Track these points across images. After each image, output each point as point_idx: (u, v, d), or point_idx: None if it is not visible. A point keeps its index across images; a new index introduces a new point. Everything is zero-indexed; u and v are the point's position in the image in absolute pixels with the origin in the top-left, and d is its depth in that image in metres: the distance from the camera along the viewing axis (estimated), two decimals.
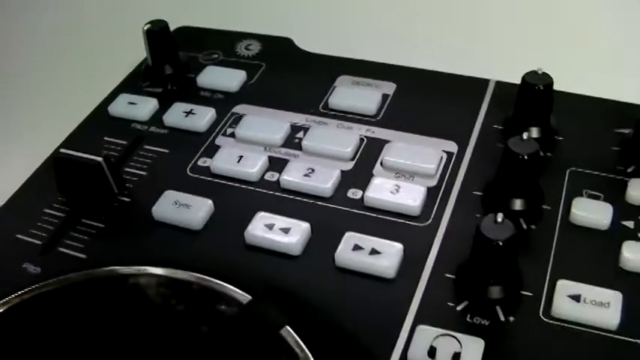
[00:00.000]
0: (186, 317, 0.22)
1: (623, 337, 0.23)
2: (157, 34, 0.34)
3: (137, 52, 0.35)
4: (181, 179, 0.30)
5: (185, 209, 0.28)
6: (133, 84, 0.35)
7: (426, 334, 0.23)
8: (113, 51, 0.35)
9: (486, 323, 0.24)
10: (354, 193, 0.29)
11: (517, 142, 0.26)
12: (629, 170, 0.29)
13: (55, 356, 0.21)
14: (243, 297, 0.22)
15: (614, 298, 0.24)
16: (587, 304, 0.24)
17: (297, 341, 0.21)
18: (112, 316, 0.22)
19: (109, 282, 0.23)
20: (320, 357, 0.21)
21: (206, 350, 0.21)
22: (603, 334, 0.23)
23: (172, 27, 0.36)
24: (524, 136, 0.26)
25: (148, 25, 0.34)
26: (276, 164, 0.30)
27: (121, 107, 0.33)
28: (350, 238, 0.26)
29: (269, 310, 0.21)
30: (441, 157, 0.30)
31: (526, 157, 0.26)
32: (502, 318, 0.24)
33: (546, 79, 0.29)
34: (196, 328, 0.22)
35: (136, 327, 0.22)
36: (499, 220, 0.23)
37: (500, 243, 0.23)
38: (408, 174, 0.29)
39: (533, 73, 0.30)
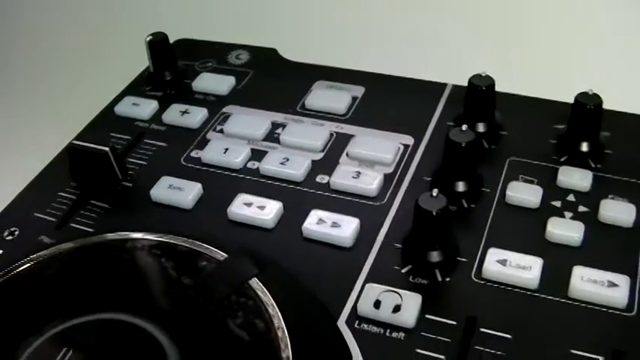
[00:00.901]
0: (174, 272, 0.27)
1: (542, 295, 0.28)
2: (158, 44, 0.39)
3: (142, 60, 0.41)
4: (176, 167, 0.35)
5: (178, 191, 0.33)
6: (137, 88, 0.40)
7: (374, 290, 0.28)
8: (120, 59, 0.40)
9: (425, 282, 0.28)
10: (322, 179, 0.33)
11: (457, 133, 0.31)
12: (561, 160, 0.34)
13: (70, 304, 0.26)
14: (222, 255, 0.27)
15: (535, 262, 0.29)
16: (512, 267, 0.28)
17: (264, 291, 0.26)
18: (115, 271, 0.27)
19: (113, 244, 0.27)
20: (284, 307, 0.26)
21: (190, 299, 0.26)
22: (525, 292, 0.28)
23: (172, 39, 0.42)
24: (463, 127, 0.31)
25: (150, 37, 0.39)
26: (257, 155, 0.35)
27: (126, 107, 0.39)
28: (315, 214, 0.31)
29: (242, 264, 0.26)
30: (399, 149, 0.34)
31: (464, 145, 0.30)
32: (439, 278, 0.28)
33: (488, 81, 0.34)
34: (180, 281, 0.26)
35: (134, 281, 0.27)
36: (434, 194, 0.28)
37: (434, 213, 0.27)
38: (369, 162, 0.34)
39: (477, 76, 0.34)
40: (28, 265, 0.27)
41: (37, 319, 0.25)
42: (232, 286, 0.25)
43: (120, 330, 0.25)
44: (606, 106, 0.33)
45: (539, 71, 0.39)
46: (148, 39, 0.39)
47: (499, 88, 0.35)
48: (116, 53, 0.42)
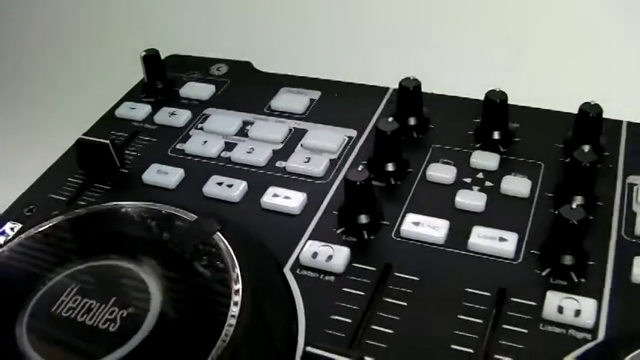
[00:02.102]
0: (157, 229, 0.34)
1: (447, 249, 0.35)
2: (151, 59, 0.47)
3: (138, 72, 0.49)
4: (163, 157, 0.43)
5: (164, 175, 0.41)
6: (133, 95, 0.49)
7: (313, 245, 0.35)
8: (120, 71, 0.48)
9: (355, 240, 0.35)
10: (280, 164, 0.41)
11: (384, 123, 0.38)
12: (476, 146, 0.41)
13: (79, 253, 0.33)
14: (193, 217, 0.34)
15: (443, 224, 0.36)
16: (424, 227, 0.36)
17: (225, 243, 0.33)
18: (114, 229, 0.34)
19: (112, 210, 0.35)
20: (240, 255, 0.33)
21: (169, 249, 0.33)
22: (433, 246, 0.35)
23: (164, 54, 0.50)
24: (389, 119, 0.38)
25: (144, 53, 0.47)
26: (229, 146, 0.43)
27: (125, 111, 0.47)
28: (272, 190, 0.38)
29: (208, 223, 0.33)
30: (344, 140, 0.42)
31: (389, 133, 0.38)
32: (366, 237, 0.36)
33: (415, 83, 0.41)
34: (161, 236, 0.33)
35: (127, 236, 0.34)
36: (359, 169, 0.35)
37: (358, 183, 0.34)
38: (319, 151, 0.41)
39: (407, 79, 0.42)
40: (51, 223, 0.35)
41: (55, 263, 0.32)
42: (200, 238, 0.33)
43: (115, 271, 0.32)
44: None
45: (463, 73, 0.47)
46: (142, 54, 0.47)
47: (429, 89, 0.43)
48: (116, 67, 0.50)
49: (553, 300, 0.32)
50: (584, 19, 0.56)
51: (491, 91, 0.40)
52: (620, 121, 0.42)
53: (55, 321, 0.31)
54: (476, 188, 0.38)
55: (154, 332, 0.29)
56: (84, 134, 0.43)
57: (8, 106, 0.60)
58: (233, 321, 0.29)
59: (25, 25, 0.70)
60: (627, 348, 0.27)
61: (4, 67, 0.67)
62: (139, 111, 0.46)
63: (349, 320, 0.32)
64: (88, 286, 0.32)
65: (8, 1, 0.70)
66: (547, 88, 0.45)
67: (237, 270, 0.32)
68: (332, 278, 0.34)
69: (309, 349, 0.28)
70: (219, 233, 0.33)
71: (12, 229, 0.39)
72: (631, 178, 0.38)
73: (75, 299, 0.31)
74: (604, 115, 0.40)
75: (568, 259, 0.33)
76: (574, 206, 0.32)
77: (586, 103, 0.39)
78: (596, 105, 0.39)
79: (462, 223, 0.36)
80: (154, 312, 0.30)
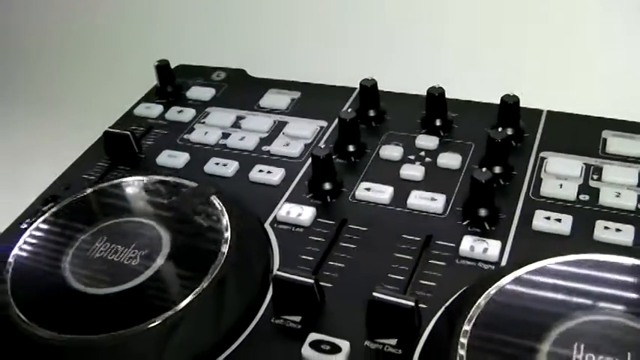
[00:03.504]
0: (167, 194, 0.44)
1: (390, 207, 0.44)
2: (162, 67, 0.58)
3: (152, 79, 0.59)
4: (173, 145, 0.53)
5: (174, 158, 0.51)
6: (148, 97, 0.59)
7: (287, 206, 0.45)
8: (138, 79, 0.59)
9: (320, 202, 0.45)
10: (265, 148, 0.51)
11: (344, 113, 0.48)
12: (422, 131, 0.50)
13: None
14: (195, 184, 0.44)
15: (388, 189, 0.46)
16: (373, 192, 0.45)
17: (219, 202, 0.42)
18: (134, 195, 0.44)
19: (132, 182, 0.45)
20: (230, 211, 0.42)
21: (175, 208, 0.43)
22: (380, 205, 0.45)
23: (173, 64, 0.60)
24: (349, 110, 0.48)
25: (157, 63, 0.58)
26: (225, 136, 0.53)
27: (142, 110, 0.58)
28: (258, 167, 0.48)
29: (206, 188, 0.43)
30: (317, 129, 0.52)
31: (348, 120, 0.47)
32: (328, 200, 0.45)
33: (372, 82, 0.51)
34: (170, 199, 0.43)
35: (144, 199, 0.44)
36: (321, 146, 0.45)
37: (321, 157, 0.44)
38: (297, 137, 0.51)
39: (366, 79, 0.52)
40: (87, 192, 0.46)
41: (89, 221, 0.43)
42: (200, 199, 0.43)
43: (136, 225, 0.42)
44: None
45: (413, 73, 0.57)
46: (155, 64, 0.58)
47: (389, 88, 0.53)
48: (135, 74, 0.61)
49: (467, 241, 0.41)
50: (513, 20, 0.66)
51: (432, 87, 0.50)
52: (541, 110, 0.52)
53: (91, 260, 0.41)
54: (417, 163, 0.48)
55: (165, 264, 0.40)
56: (109, 127, 0.53)
57: (46, 108, 0.73)
58: (223, 256, 0.39)
59: (57, 40, 0.82)
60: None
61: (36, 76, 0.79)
62: (153, 110, 0.57)
63: (312, 258, 0.42)
64: (115, 236, 0.42)
65: (30, 14, 0.83)
66: (480, 83, 0.55)
67: (227, 221, 0.42)
68: (301, 230, 0.44)
69: (277, 273, 0.38)
70: (214, 195, 0.43)
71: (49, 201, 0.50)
72: (543, 154, 0.48)
73: (105, 245, 0.42)
74: (540, 106, 0.50)
75: (482, 212, 0.43)
76: (483, 170, 0.42)
77: (506, 94, 0.49)
78: (515, 96, 0.49)
79: (404, 188, 0.46)
80: (164, 251, 0.41)
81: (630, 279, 0.36)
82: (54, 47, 0.83)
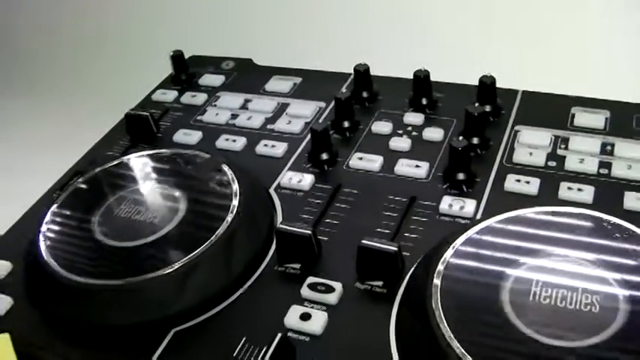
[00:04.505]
0: (184, 164, 0.50)
1: (380, 174, 0.50)
2: (177, 57, 0.64)
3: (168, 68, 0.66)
4: (187, 125, 0.60)
5: (188, 136, 0.57)
6: (165, 84, 0.65)
7: (289, 174, 0.51)
8: (155, 68, 0.65)
9: (318, 171, 0.51)
10: (269, 127, 0.57)
11: (340, 94, 0.54)
12: (410, 110, 0.56)
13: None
14: (208, 155, 0.50)
15: (378, 158, 0.51)
16: (365, 161, 0.51)
17: (229, 169, 0.48)
18: (156, 165, 0.50)
19: (154, 154, 0.51)
20: (239, 177, 0.48)
21: (191, 175, 0.49)
22: (371, 173, 0.50)
23: (187, 54, 0.66)
24: (343, 89, 0.53)
25: (172, 53, 0.64)
26: (235, 117, 0.59)
27: (159, 95, 0.64)
28: (263, 142, 0.55)
29: (218, 158, 0.49)
30: (315, 109, 0.58)
31: (343, 99, 0.53)
32: (325, 168, 0.51)
33: (364, 67, 0.57)
34: (186, 168, 0.49)
35: (164, 169, 0.50)
36: (320, 122, 0.50)
37: (318, 130, 0.50)
38: (298, 117, 0.57)
39: (360, 64, 0.57)
40: (113, 163, 0.52)
41: (115, 187, 0.49)
42: (213, 167, 0.49)
43: (157, 189, 0.48)
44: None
45: (403, 59, 0.63)
46: (171, 54, 0.64)
47: (383, 73, 0.59)
48: (152, 64, 0.68)
49: (446, 200, 0.47)
50: (498, 12, 0.71)
51: (418, 70, 0.56)
52: (517, 90, 0.58)
53: (117, 219, 0.47)
54: (405, 136, 0.54)
55: (183, 221, 0.46)
56: (130, 109, 0.59)
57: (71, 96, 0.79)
58: (232, 214, 0.45)
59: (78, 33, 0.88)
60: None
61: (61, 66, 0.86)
62: (169, 95, 0.64)
63: (311, 217, 0.47)
64: (139, 198, 0.48)
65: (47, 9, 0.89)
66: (464, 68, 0.61)
67: (236, 186, 0.47)
68: (301, 194, 0.50)
69: (280, 226, 0.44)
70: (225, 164, 0.49)
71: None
72: (517, 127, 0.54)
73: (129, 206, 0.48)
74: (512, 86, 0.56)
75: (460, 176, 0.48)
76: (460, 139, 0.47)
77: (484, 75, 0.54)
78: (492, 76, 0.54)
79: (392, 158, 0.52)
80: (182, 211, 0.47)
81: (581, 224, 0.42)
82: (79, 43, 0.90)
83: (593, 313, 0.37)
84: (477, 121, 0.51)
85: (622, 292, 0.37)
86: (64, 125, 0.77)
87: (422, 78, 0.56)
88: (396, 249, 0.42)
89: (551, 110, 0.55)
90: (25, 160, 0.75)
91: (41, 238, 0.46)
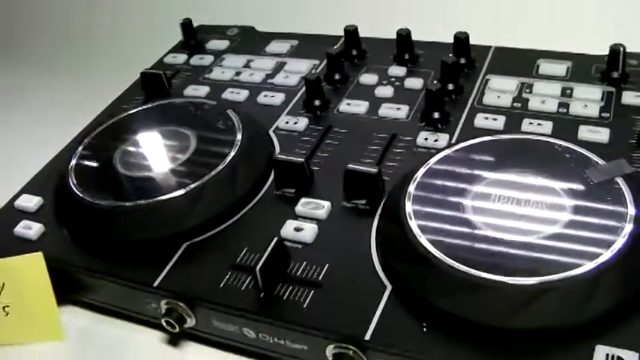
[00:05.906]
0: (195, 110, 0.57)
1: (366, 116, 0.56)
2: (186, 25, 0.72)
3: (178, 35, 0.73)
4: (196, 82, 0.67)
5: (197, 91, 0.65)
6: (176, 49, 0.72)
7: (286, 117, 0.57)
8: (166, 35, 0.72)
9: (311, 115, 0.57)
10: (269, 81, 0.64)
11: (330, 49, 0.60)
12: (393, 64, 0.62)
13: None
14: (215, 102, 0.57)
15: (365, 104, 0.58)
16: (353, 106, 0.58)
17: (234, 114, 0.55)
18: (173, 114, 0.57)
19: (169, 103, 0.58)
20: (243, 120, 0.55)
21: (201, 119, 0.56)
22: (358, 116, 0.57)
23: (195, 23, 0.73)
24: (335, 47, 0.60)
25: (181, 20, 0.71)
26: (238, 74, 0.66)
27: (170, 59, 0.71)
28: (263, 93, 0.61)
29: (223, 105, 0.56)
30: (310, 66, 0.65)
31: (333, 54, 0.60)
32: (318, 113, 0.58)
33: (353, 27, 0.64)
34: (197, 113, 0.56)
35: (180, 115, 0.57)
36: (312, 72, 0.57)
37: (311, 80, 0.56)
38: (295, 72, 0.64)
39: (349, 25, 0.64)
40: (133, 111, 0.59)
41: (138, 130, 0.55)
42: (220, 112, 0.55)
43: (170, 132, 0.55)
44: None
45: (393, 22, 0.69)
46: (180, 22, 0.71)
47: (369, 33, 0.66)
48: (164, 32, 0.75)
49: (422, 135, 0.54)
50: None
51: (401, 29, 0.63)
52: (490, 46, 0.64)
53: (136, 154, 0.54)
54: (389, 86, 0.60)
55: (194, 154, 0.53)
56: (145, 69, 0.66)
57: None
58: (236, 148, 0.52)
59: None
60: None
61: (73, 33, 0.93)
62: (179, 58, 0.71)
63: (305, 151, 0.54)
64: (155, 140, 0.55)
65: None
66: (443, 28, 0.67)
67: (240, 125, 0.54)
68: (296, 134, 0.57)
69: (277, 156, 0.50)
70: (229, 110, 0.56)
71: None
72: (488, 76, 0.60)
73: (146, 143, 0.55)
74: (486, 43, 0.62)
75: (435, 115, 0.55)
76: (434, 82, 0.54)
77: (459, 31, 0.61)
78: (465, 32, 0.61)
79: (376, 104, 0.59)
80: (193, 146, 0.54)
81: (535, 146, 0.48)
82: (94, 16, 0.98)
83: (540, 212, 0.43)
84: (451, 69, 0.58)
85: (567, 200, 0.44)
86: (86, 87, 0.85)
87: (404, 35, 0.63)
88: (376, 171, 0.48)
89: (520, 62, 0.62)
90: (55, 117, 0.82)
91: (70, 171, 0.54)
